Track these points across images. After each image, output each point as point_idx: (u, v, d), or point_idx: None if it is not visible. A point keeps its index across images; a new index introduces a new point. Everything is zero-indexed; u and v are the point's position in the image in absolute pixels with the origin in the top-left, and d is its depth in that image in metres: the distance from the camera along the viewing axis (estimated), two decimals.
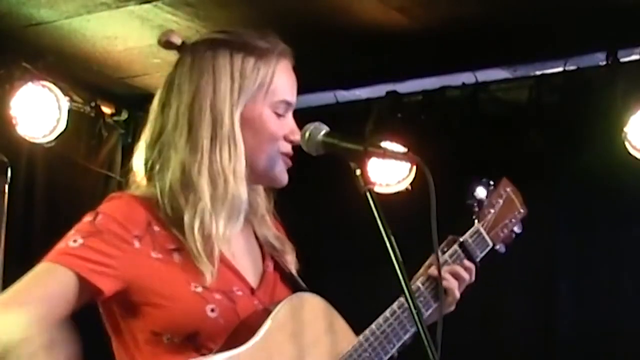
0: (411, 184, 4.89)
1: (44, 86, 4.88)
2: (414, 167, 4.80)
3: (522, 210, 2.68)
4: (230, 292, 2.14)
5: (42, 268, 2.05)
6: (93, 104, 5.36)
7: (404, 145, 4.72)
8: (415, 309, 1.93)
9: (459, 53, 4.66)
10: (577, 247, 4.74)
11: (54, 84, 4.93)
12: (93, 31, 4.58)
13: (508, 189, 2.65)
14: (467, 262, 2.44)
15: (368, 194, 2.00)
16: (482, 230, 2.54)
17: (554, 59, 4.74)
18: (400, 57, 4.73)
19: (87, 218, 2.10)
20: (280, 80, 2.22)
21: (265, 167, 2.21)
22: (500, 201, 2.62)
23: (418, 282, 2.35)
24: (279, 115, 2.21)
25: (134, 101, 5.38)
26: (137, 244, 2.09)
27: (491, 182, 2.62)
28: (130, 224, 2.09)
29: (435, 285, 2.35)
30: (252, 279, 2.22)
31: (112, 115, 5.51)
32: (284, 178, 2.24)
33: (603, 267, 4.66)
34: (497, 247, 2.59)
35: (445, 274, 2.39)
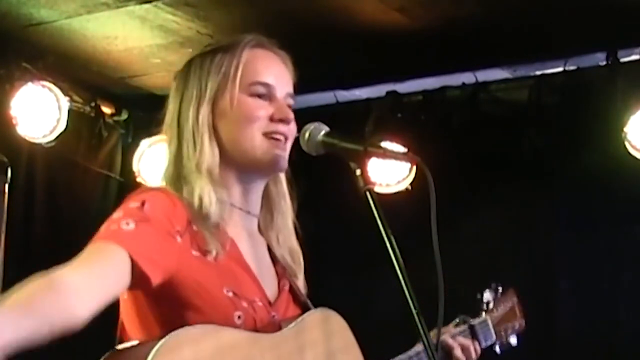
0: (411, 184, 4.89)
1: (44, 86, 4.88)
2: (414, 167, 4.80)
3: (522, 322, 2.87)
4: (253, 302, 2.14)
5: (97, 247, 1.95)
6: (93, 104, 5.36)
7: (404, 145, 4.72)
8: (415, 309, 1.93)
9: (459, 53, 4.66)
10: (577, 247, 4.74)
11: (54, 84, 4.92)
12: (93, 31, 4.58)
13: (514, 299, 2.89)
14: (476, 344, 2.56)
15: (368, 194, 1.99)
16: (489, 322, 2.69)
17: (554, 59, 4.74)
18: (400, 57, 4.73)
19: (134, 203, 2.05)
20: (250, 65, 2.23)
21: (249, 150, 2.19)
22: (508, 305, 2.83)
23: (420, 347, 2.37)
24: (260, 97, 2.22)
25: (134, 101, 5.39)
26: (179, 239, 2.06)
27: (499, 288, 2.81)
28: (174, 218, 2.07)
29: (441, 352, 2.44)
30: (269, 294, 2.22)
31: (112, 115, 5.51)
32: (276, 160, 2.21)
33: (603, 267, 4.66)
34: (496, 345, 2.72)
35: (456, 344, 2.50)
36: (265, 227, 2.31)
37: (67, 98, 5.04)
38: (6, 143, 4.68)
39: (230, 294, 2.09)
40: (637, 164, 4.43)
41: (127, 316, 2.12)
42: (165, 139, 2.29)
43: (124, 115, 5.53)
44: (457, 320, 2.58)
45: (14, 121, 4.79)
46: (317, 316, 2.19)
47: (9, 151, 4.50)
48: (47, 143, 4.96)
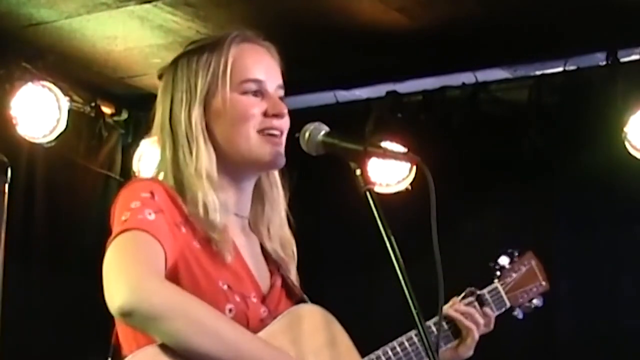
0: (411, 184, 4.89)
1: (44, 86, 4.88)
2: (414, 167, 4.80)
3: (543, 283, 2.81)
4: (247, 298, 2.15)
5: (134, 237, 1.99)
6: (93, 104, 5.36)
7: (404, 145, 4.72)
8: (415, 309, 1.93)
9: (459, 53, 4.66)
10: (577, 247, 4.73)
11: (54, 84, 4.93)
12: (93, 31, 4.58)
13: (532, 261, 2.82)
14: (487, 309, 2.54)
15: (368, 194, 2.00)
16: (500, 289, 2.66)
17: (554, 59, 4.74)
18: (400, 57, 4.74)
19: (145, 193, 2.07)
20: (239, 62, 2.22)
21: (246, 149, 2.20)
22: (523, 269, 2.80)
23: (430, 322, 2.35)
24: (254, 95, 2.21)
25: (134, 101, 5.39)
26: (183, 229, 2.10)
27: (516, 253, 2.76)
28: (177, 210, 2.10)
29: (449, 326, 2.46)
30: (263, 291, 2.23)
31: (112, 115, 5.51)
32: (273, 157, 2.22)
33: (603, 267, 4.66)
34: (515, 312, 2.70)
35: (459, 314, 2.50)
36: (255, 222, 2.31)
37: (67, 98, 5.03)
38: (6, 143, 4.68)
39: (225, 287, 2.11)
40: (637, 164, 4.43)
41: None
42: (157, 141, 2.27)
43: (124, 115, 5.53)
44: (464, 293, 2.58)
45: (14, 121, 4.79)
46: (300, 312, 2.19)
47: (9, 151, 4.49)
48: (47, 143, 4.97)
